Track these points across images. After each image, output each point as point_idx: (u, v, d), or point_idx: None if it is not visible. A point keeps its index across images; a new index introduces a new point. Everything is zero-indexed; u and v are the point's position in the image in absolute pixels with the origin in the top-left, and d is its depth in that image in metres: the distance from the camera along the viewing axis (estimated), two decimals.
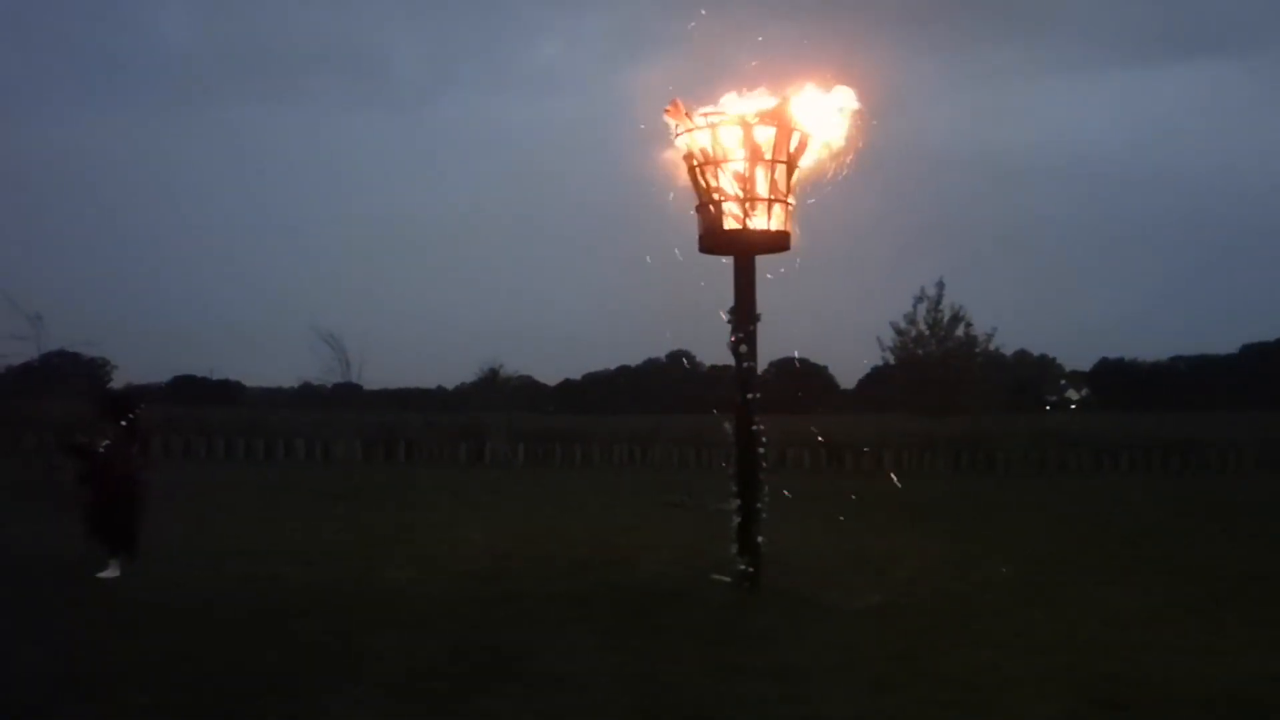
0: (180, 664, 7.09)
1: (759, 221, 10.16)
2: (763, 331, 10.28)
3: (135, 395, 13.49)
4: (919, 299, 38.94)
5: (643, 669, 7.14)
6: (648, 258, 10.56)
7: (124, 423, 10.68)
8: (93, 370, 34.36)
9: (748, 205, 10.12)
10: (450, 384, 54.09)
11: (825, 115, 10.43)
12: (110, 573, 10.14)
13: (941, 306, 38.90)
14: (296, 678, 6.76)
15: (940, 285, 38.93)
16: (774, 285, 10.55)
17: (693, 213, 10.50)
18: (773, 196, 10.16)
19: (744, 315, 10.23)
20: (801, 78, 10.38)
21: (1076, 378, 69.24)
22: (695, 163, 10.26)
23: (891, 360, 40.71)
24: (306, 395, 45.41)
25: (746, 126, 10.02)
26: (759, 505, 10.11)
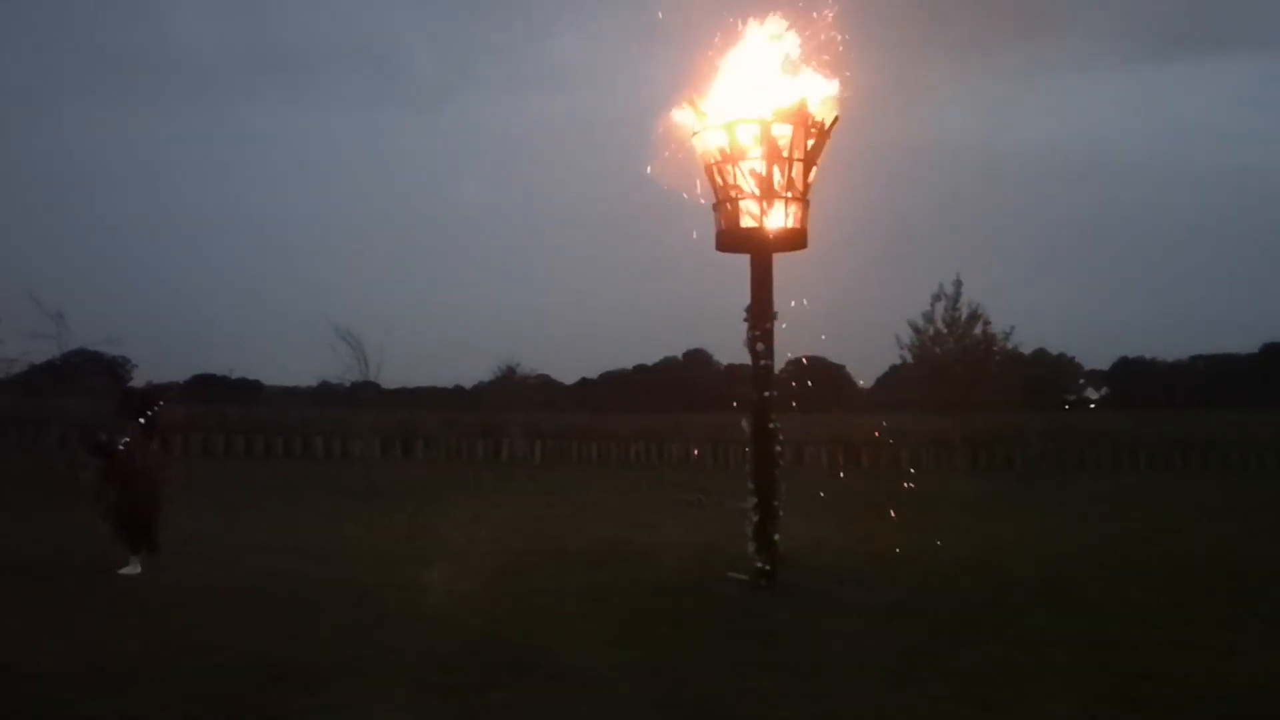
0: (201, 658, 7.15)
1: (775, 219, 10.15)
2: (780, 330, 10.29)
3: (155, 393, 13.59)
4: (937, 297, 38.76)
5: (660, 664, 7.15)
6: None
7: (144, 420, 10.78)
8: (114, 368, 34.52)
9: (764, 203, 10.11)
10: (468, 383, 54.18)
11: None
12: (131, 569, 10.23)
13: (959, 305, 38.75)
14: (316, 671, 6.80)
15: (958, 283, 38.76)
16: (792, 284, 10.55)
17: (711, 210, 10.50)
18: (790, 194, 10.15)
19: (761, 313, 10.22)
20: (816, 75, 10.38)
21: (1095, 376, 68.74)
22: (712, 160, 10.25)
23: (909, 359, 40.55)
24: (325, 394, 45.54)
25: (764, 124, 10.01)
26: (776, 503, 10.11)
